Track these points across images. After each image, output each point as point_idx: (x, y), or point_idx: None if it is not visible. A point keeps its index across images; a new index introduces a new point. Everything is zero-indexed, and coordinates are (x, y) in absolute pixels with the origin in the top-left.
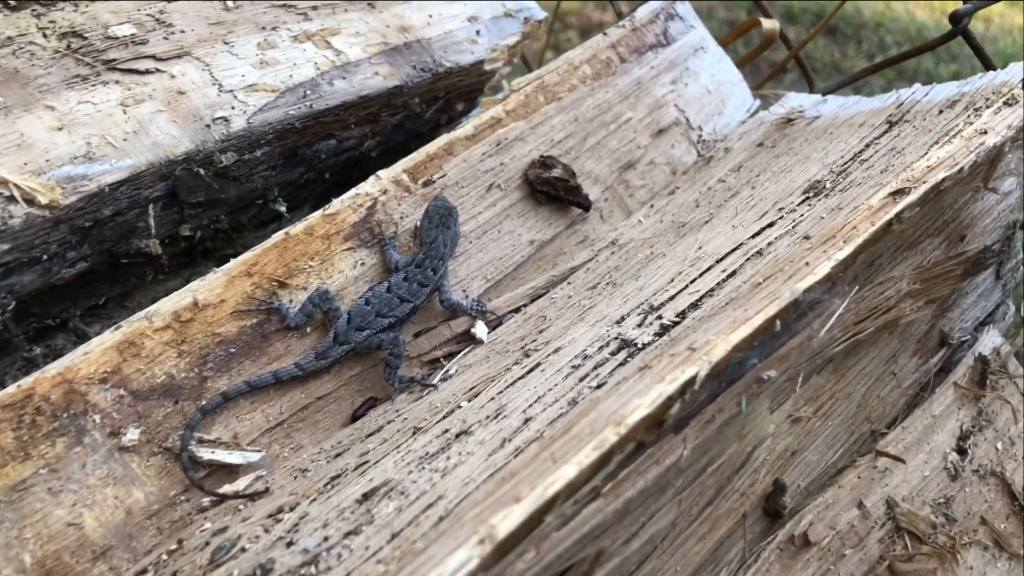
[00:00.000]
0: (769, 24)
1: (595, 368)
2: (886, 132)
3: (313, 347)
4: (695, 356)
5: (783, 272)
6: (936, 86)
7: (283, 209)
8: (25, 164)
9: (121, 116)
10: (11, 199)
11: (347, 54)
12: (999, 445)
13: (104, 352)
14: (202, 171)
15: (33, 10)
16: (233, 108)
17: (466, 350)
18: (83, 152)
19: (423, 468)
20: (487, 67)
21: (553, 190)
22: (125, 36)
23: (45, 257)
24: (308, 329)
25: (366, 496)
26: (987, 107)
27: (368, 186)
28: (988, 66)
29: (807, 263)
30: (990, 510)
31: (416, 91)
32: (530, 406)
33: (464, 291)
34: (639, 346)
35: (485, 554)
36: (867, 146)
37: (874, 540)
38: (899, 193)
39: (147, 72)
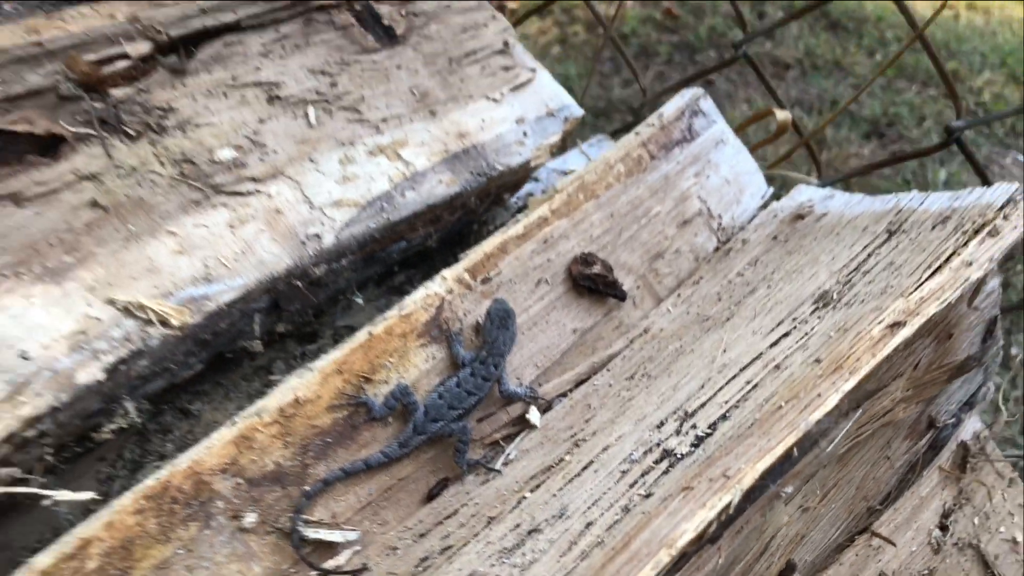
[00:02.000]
0: (782, 115)
1: (642, 475)
2: (886, 242)
3: (395, 436)
4: (729, 484)
5: (798, 399)
6: (931, 195)
7: (360, 300)
8: (155, 288)
9: (230, 237)
10: (148, 322)
11: (415, 164)
12: (976, 520)
13: (224, 446)
14: (299, 283)
15: (149, 139)
16: (323, 224)
17: (522, 434)
18: (202, 274)
19: (503, 562)
20: (532, 164)
21: (593, 284)
22: (228, 160)
23: (173, 366)
24: (389, 419)
25: None
26: (974, 234)
27: (436, 286)
28: (981, 175)
29: (819, 394)
30: None
31: (473, 194)
32: (588, 508)
33: (518, 379)
34: (678, 456)
35: None
36: (869, 255)
37: None
38: (896, 325)
39: (248, 194)
